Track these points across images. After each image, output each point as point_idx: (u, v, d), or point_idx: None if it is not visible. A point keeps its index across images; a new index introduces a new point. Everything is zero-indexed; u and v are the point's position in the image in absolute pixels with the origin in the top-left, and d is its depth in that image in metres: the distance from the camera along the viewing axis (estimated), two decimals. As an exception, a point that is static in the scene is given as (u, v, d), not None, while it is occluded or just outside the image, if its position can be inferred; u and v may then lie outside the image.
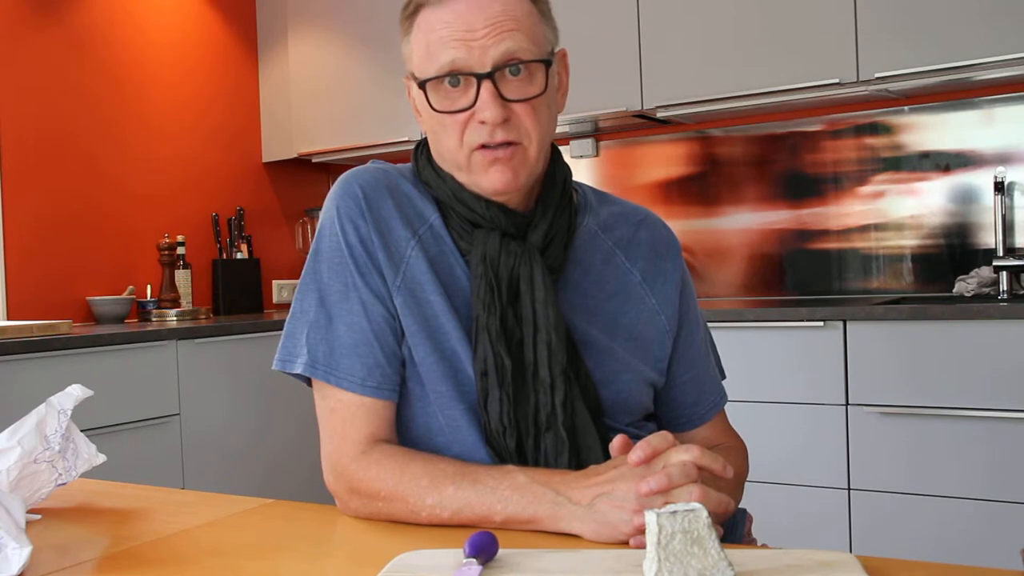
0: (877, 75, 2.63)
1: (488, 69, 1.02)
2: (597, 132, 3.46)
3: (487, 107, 1.01)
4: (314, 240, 1.11)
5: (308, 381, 1.09)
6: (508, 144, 1.03)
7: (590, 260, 1.15)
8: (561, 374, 1.03)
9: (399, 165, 1.15)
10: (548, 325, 1.04)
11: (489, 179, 1.05)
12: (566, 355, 1.04)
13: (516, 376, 1.03)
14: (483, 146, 1.04)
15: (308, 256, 1.11)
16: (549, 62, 1.06)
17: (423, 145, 1.14)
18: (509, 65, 1.02)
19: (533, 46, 1.04)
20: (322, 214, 1.12)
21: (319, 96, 3.73)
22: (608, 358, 1.11)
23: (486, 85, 1.02)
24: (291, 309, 1.10)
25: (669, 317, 1.18)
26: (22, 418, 1.02)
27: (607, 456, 0.97)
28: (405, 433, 1.08)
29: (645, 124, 3.29)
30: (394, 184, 1.11)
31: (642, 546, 0.82)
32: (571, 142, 3.48)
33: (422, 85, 1.05)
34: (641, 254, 1.19)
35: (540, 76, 1.05)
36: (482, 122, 1.02)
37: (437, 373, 1.05)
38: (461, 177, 1.08)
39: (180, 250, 3.45)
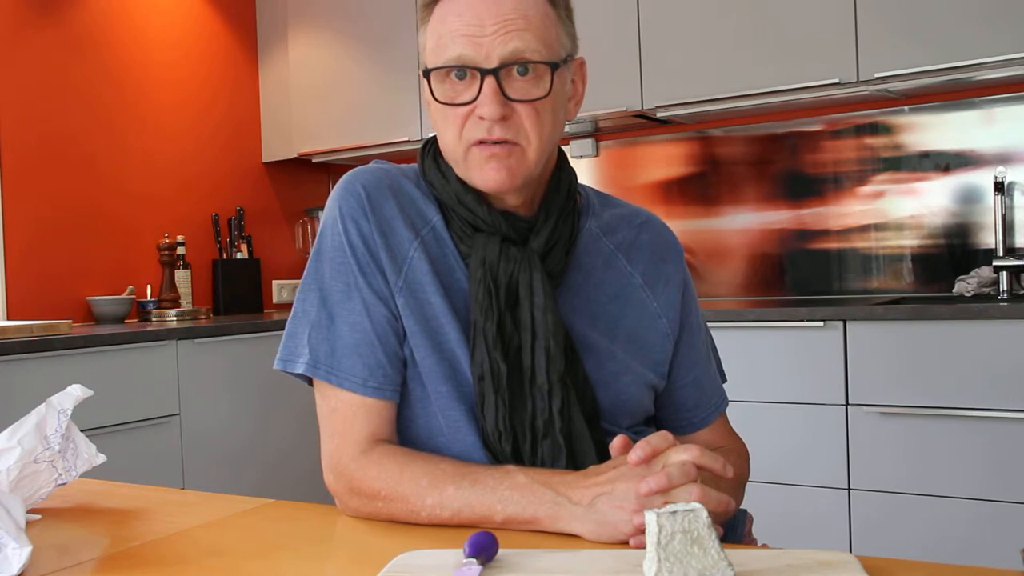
0: (877, 75, 2.64)
1: (494, 65, 1.01)
2: (597, 132, 3.46)
3: (487, 103, 1.01)
4: (316, 240, 1.11)
5: (309, 381, 1.09)
6: (506, 143, 1.03)
7: (592, 263, 1.15)
8: (559, 380, 1.03)
9: (402, 165, 1.15)
10: (547, 332, 1.04)
11: (483, 176, 1.04)
12: (564, 361, 1.04)
13: (513, 382, 1.03)
14: (481, 142, 1.04)
15: (310, 256, 1.11)
16: (556, 65, 1.04)
17: (430, 144, 1.14)
18: (516, 64, 1.02)
19: (543, 47, 1.03)
20: (324, 214, 1.12)
21: (319, 96, 3.73)
22: (608, 361, 1.11)
23: (489, 81, 1.01)
24: (293, 309, 1.10)
25: (670, 320, 1.18)
26: (22, 418, 1.02)
27: (604, 462, 0.97)
28: (406, 433, 1.08)
29: (645, 124, 3.29)
30: (397, 185, 1.11)
31: (642, 546, 0.82)
32: (571, 142, 3.48)
33: (427, 74, 1.06)
34: (643, 257, 1.18)
35: (547, 79, 1.04)
36: (481, 118, 1.02)
37: (437, 374, 1.05)
38: (459, 172, 1.08)
39: (180, 250, 3.45)
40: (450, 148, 1.07)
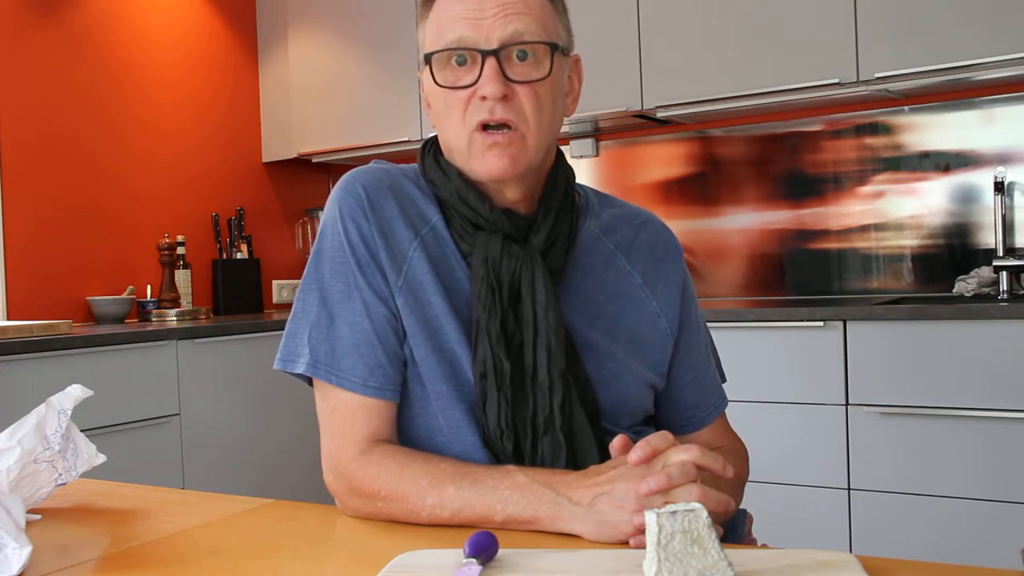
0: (877, 75, 2.64)
1: (494, 47, 1.03)
2: (597, 132, 3.46)
3: (488, 82, 1.02)
4: (316, 240, 1.11)
5: (309, 381, 1.09)
6: (507, 128, 1.04)
7: (591, 263, 1.15)
8: (560, 378, 1.03)
9: (402, 165, 1.16)
10: (548, 329, 1.04)
11: (485, 164, 1.05)
12: (565, 358, 1.04)
13: (515, 379, 1.03)
14: (484, 127, 1.04)
15: (310, 256, 1.11)
16: (556, 45, 1.06)
17: (431, 143, 1.14)
18: (516, 46, 1.03)
19: (541, 30, 1.05)
20: (324, 214, 1.12)
21: (319, 96, 3.73)
22: (608, 360, 1.11)
23: (490, 62, 1.03)
24: (293, 309, 1.10)
25: (670, 320, 1.18)
26: (22, 418, 1.02)
27: (605, 460, 0.97)
28: (406, 433, 1.08)
29: (645, 124, 3.29)
30: (397, 184, 1.11)
31: (642, 546, 0.82)
32: (571, 142, 3.48)
33: (428, 59, 1.07)
34: (642, 257, 1.19)
35: (546, 62, 1.06)
36: (483, 98, 1.03)
37: (437, 374, 1.05)
38: (462, 163, 1.08)
39: (180, 250, 3.45)
40: (453, 136, 1.07)
